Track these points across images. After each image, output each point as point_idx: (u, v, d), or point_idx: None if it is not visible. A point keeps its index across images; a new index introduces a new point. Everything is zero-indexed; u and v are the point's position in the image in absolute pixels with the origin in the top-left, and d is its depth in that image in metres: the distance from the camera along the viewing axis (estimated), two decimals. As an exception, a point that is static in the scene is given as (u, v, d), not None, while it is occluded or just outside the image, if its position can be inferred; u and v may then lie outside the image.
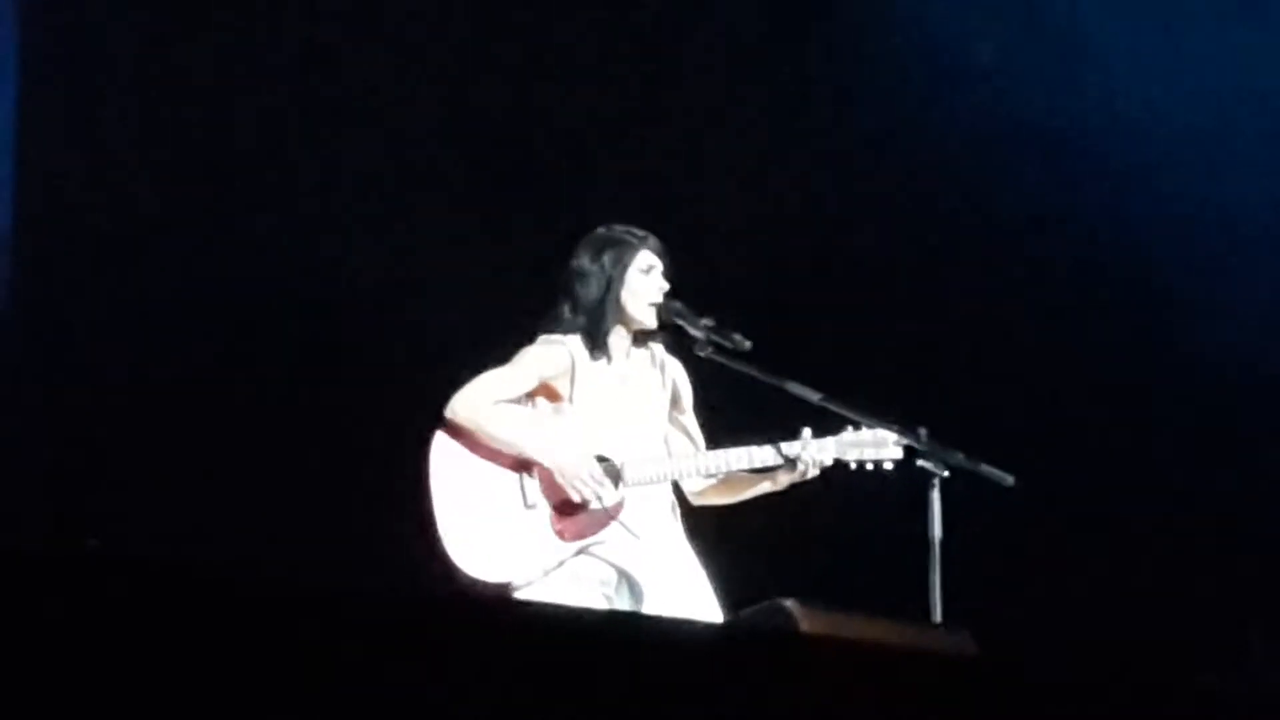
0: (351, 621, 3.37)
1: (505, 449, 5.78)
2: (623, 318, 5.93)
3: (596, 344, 5.90)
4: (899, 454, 5.89)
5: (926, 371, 7.90)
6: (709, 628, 5.04)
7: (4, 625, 3.12)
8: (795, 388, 5.87)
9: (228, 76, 7.68)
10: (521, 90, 8.04)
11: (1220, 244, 8.11)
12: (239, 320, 7.51)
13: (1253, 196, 8.13)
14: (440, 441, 5.78)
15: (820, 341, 7.55)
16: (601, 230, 6.01)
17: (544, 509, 5.78)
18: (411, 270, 7.75)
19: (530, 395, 5.87)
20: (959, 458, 5.80)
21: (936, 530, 5.74)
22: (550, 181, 7.93)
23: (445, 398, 5.78)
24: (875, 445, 5.89)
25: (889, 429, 5.89)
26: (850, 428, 5.91)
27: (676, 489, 5.98)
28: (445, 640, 3.43)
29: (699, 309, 5.92)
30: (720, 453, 5.91)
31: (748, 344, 5.84)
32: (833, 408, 5.88)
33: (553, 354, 5.87)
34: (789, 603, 4.95)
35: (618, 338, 5.94)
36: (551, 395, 5.89)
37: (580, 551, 5.79)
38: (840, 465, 5.91)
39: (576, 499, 5.78)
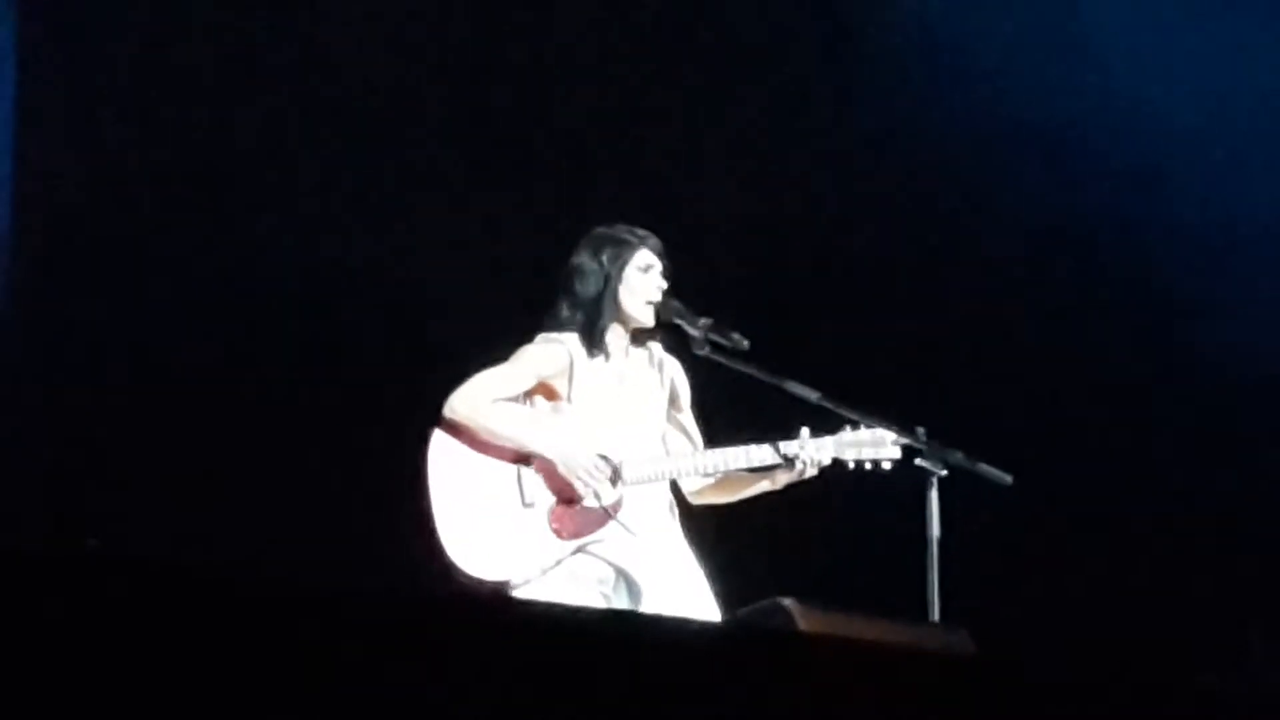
0: (350, 621, 3.37)
1: (506, 445, 5.79)
2: (620, 316, 5.93)
3: (594, 342, 5.90)
4: (897, 453, 5.89)
5: (925, 371, 7.90)
6: (707, 627, 5.04)
7: (4, 625, 3.12)
8: (794, 387, 5.87)
9: (227, 76, 7.68)
10: (522, 90, 8.04)
11: (1220, 244, 8.11)
12: (238, 320, 7.51)
13: (1253, 196, 8.13)
14: (438, 440, 5.77)
15: (819, 341, 7.56)
16: (602, 229, 6.02)
17: (542, 508, 5.79)
18: (410, 270, 7.75)
19: (528, 394, 5.87)
20: (957, 457, 5.80)
21: (935, 529, 5.74)
22: (550, 181, 7.93)
23: (444, 397, 5.79)
24: (873, 445, 5.89)
25: (887, 428, 5.89)
26: (849, 427, 5.91)
27: (675, 488, 5.99)
28: (444, 639, 3.44)
29: (698, 308, 5.92)
30: (718, 452, 5.91)
31: (746, 343, 5.84)
32: (831, 407, 5.88)
33: (551, 353, 5.87)
34: (787, 601, 4.94)
35: (615, 336, 5.95)
36: (549, 394, 5.89)
37: (578, 550, 5.79)
38: (838, 464, 5.91)
39: (580, 490, 5.78)
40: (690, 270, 6.09)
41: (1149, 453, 8.01)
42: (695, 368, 6.03)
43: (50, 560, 3.27)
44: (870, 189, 8.23)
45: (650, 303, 5.92)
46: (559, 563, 5.77)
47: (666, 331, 5.97)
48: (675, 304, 5.92)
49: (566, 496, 5.80)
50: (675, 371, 6.05)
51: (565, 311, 5.92)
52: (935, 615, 5.69)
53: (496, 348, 5.91)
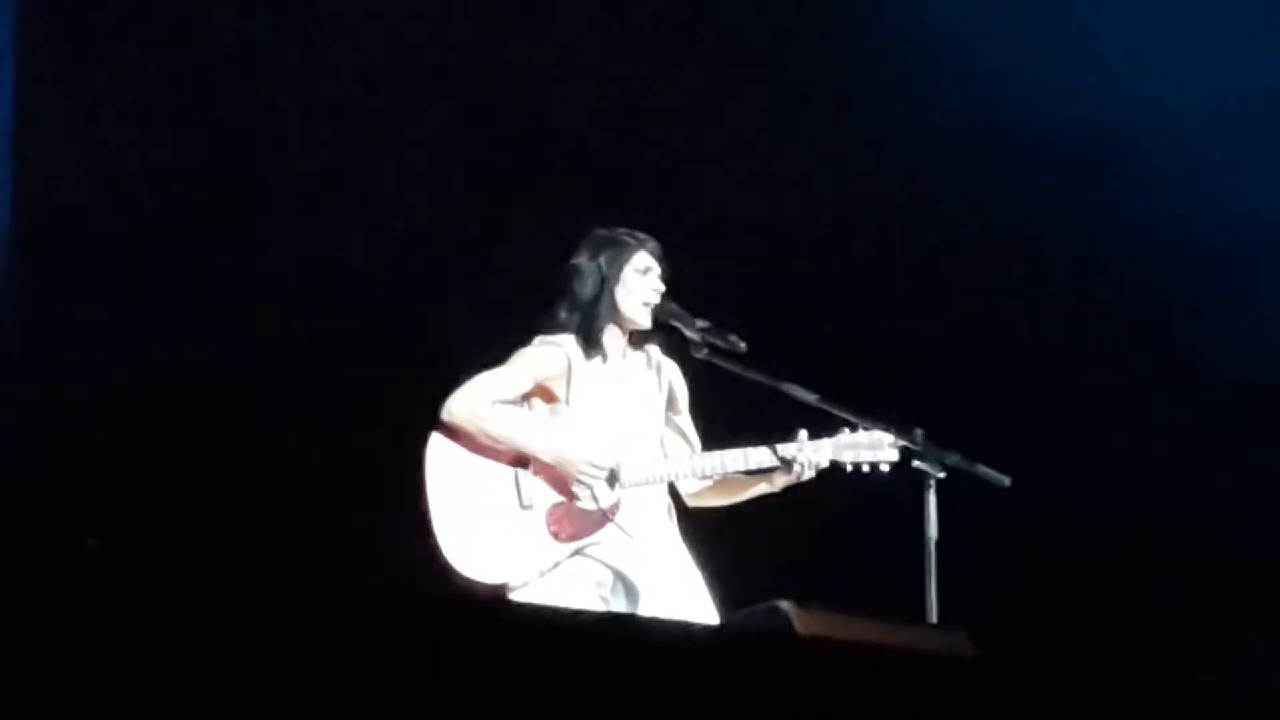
0: (348, 622, 3.38)
1: (505, 447, 5.79)
2: (617, 317, 5.93)
3: (591, 343, 5.90)
4: (895, 456, 5.89)
5: (923, 372, 7.90)
6: (705, 629, 5.04)
7: (4, 625, 3.13)
8: (791, 389, 5.88)
9: (228, 76, 7.68)
10: (522, 91, 8.04)
11: (1221, 244, 8.11)
12: (238, 320, 7.51)
13: (1254, 196, 8.13)
14: (436, 443, 5.77)
15: (817, 342, 7.55)
16: (602, 231, 6.02)
17: (540, 510, 5.79)
18: (409, 271, 7.75)
19: (526, 397, 5.88)
20: (955, 459, 5.80)
21: (932, 531, 5.73)
22: (550, 182, 7.93)
23: (442, 399, 5.79)
24: (871, 447, 5.89)
25: (885, 430, 5.89)
26: (846, 429, 5.91)
27: (672, 491, 5.99)
28: (441, 641, 3.44)
29: (695, 310, 5.92)
30: (716, 454, 5.91)
31: (744, 345, 5.84)
32: (829, 409, 5.89)
33: (549, 355, 5.88)
34: (785, 604, 4.94)
35: (613, 337, 5.95)
36: (547, 397, 5.89)
37: (576, 552, 5.79)
38: (836, 467, 5.91)
39: (579, 491, 5.78)
40: (688, 272, 6.09)
41: (1148, 453, 8.01)
42: (693, 370, 6.03)
43: (50, 560, 3.27)
44: (869, 190, 8.23)
45: (647, 304, 5.92)
46: (557, 565, 5.77)
47: (664, 334, 5.98)
48: (673, 306, 5.93)
49: (566, 497, 5.80)
50: (673, 374, 6.05)
51: (563, 313, 5.93)
52: (933, 617, 5.69)
53: (495, 350, 5.91)
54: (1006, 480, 5.84)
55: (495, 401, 5.80)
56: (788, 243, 8.14)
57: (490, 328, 6.16)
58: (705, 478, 5.98)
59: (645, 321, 5.94)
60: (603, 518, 5.80)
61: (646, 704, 3.52)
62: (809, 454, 5.86)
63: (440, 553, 5.68)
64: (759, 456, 5.87)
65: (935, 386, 7.70)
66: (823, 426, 5.91)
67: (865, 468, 5.90)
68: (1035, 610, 7.58)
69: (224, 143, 7.64)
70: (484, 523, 5.73)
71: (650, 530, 5.85)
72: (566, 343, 5.89)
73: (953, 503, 5.79)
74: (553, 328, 5.92)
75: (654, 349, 6.03)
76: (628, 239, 5.98)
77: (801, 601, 4.91)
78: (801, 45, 8.31)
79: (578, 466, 5.77)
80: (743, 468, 5.89)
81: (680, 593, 5.80)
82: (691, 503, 6.06)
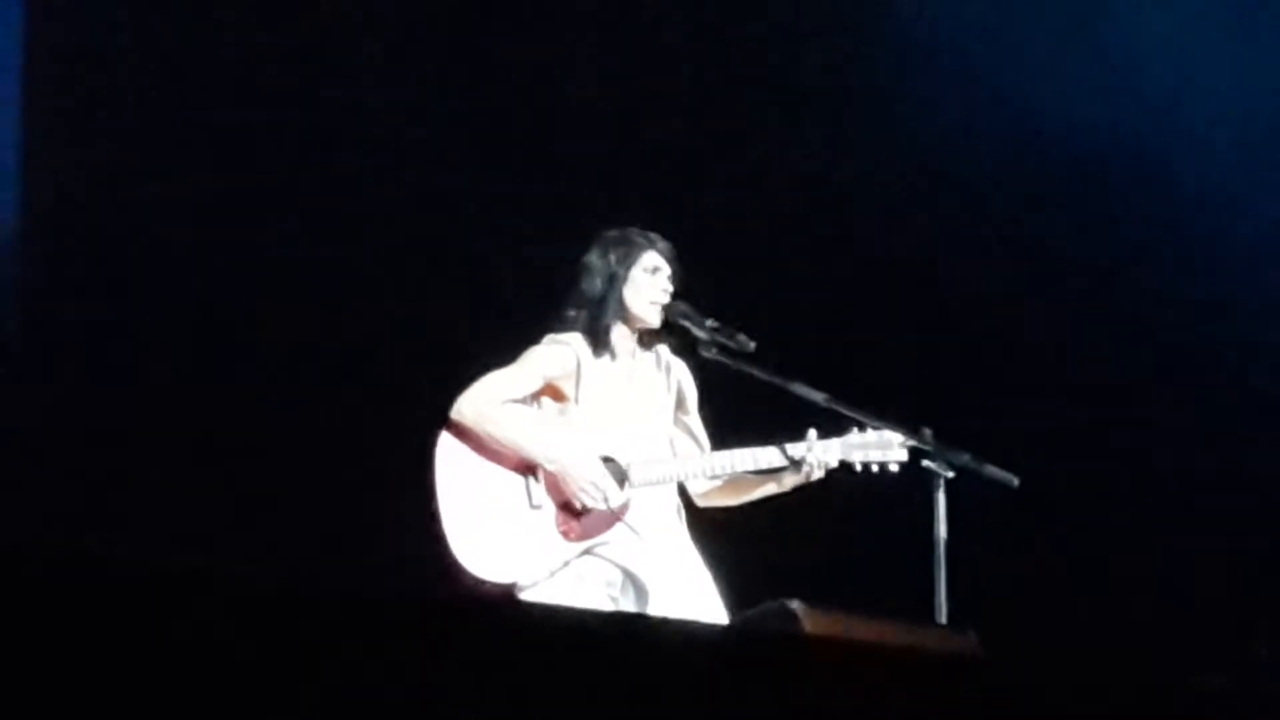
0: (357, 623, 3.36)
1: (511, 450, 5.77)
2: (625, 315, 5.93)
3: (599, 341, 5.90)
4: (904, 456, 5.88)
5: (932, 371, 7.90)
6: (713, 629, 5.04)
7: (4, 625, 3.10)
8: (800, 388, 5.86)
9: (232, 77, 7.67)
10: (527, 93, 8.04)
11: (1223, 244, 8.11)
12: (243, 320, 7.51)
13: (1254, 196, 8.13)
14: (446, 442, 5.77)
15: (825, 342, 7.54)
16: (614, 231, 6.02)
17: (549, 509, 5.78)
18: (416, 271, 7.74)
19: (535, 396, 5.87)
20: (964, 458, 5.79)
21: (942, 531, 5.73)
22: (556, 183, 7.93)
23: (451, 399, 5.77)
24: (880, 447, 5.88)
25: (894, 430, 5.88)
26: (856, 429, 5.91)
27: (682, 491, 5.98)
28: (450, 641, 3.42)
29: (704, 310, 5.91)
30: (725, 454, 5.91)
31: (752, 345, 5.83)
32: (838, 408, 5.88)
33: (558, 354, 5.87)
34: (793, 604, 4.93)
35: (621, 336, 5.94)
36: (557, 396, 5.88)
37: (585, 552, 5.78)
38: (845, 467, 5.91)
39: (578, 505, 5.77)
40: (696, 271, 6.07)
41: (1156, 454, 8.01)
42: (702, 370, 6.02)
43: (50, 560, 3.24)
44: (877, 190, 8.23)
45: (655, 304, 5.91)
46: (566, 565, 5.76)
47: (673, 334, 5.97)
48: (682, 306, 5.92)
49: (569, 503, 5.78)
50: (682, 374, 6.05)
51: (571, 311, 5.93)
52: (942, 617, 5.68)
53: (503, 349, 5.89)
54: (1016, 480, 5.83)
55: (504, 401, 5.79)
56: (796, 242, 8.13)
57: (498, 327, 6.15)
58: (714, 478, 5.98)
59: (654, 321, 5.93)
60: (612, 518, 5.78)
61: (655, 704, 3.50)
62: (818, 454, 5.85)
63: (450, 552, 5.67)
64: (768, 456, 5.86)
65: (944, 386, 7.69)
66: (832, 426, 5.90)
67: (874, 468, 5.89)
68: (1044, 610, 7.57)
69: (229, 143, 7.63)
70: (493, 522, 5.73)
71: (659, 530, 5.84)
72: (575, 342, 5.89)
73: (962, 503, 5.77)
74: (562, 326, 5.91)
75: (663, 349, 6.02)
76: (639, 238, 5.98)
77: (810, 601, 4.91)
78: (802, 45, 8.31)
79: (579, 483, 5.75)
80: (752, 468, 5.89)
81: (689, 592, 5.79)
82: (700, 503, 6.05)
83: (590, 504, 5.76)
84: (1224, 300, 8.08)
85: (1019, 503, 6.04)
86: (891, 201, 8.24)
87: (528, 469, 5.80)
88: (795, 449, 5.86)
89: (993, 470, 5.83)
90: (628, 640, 3.69)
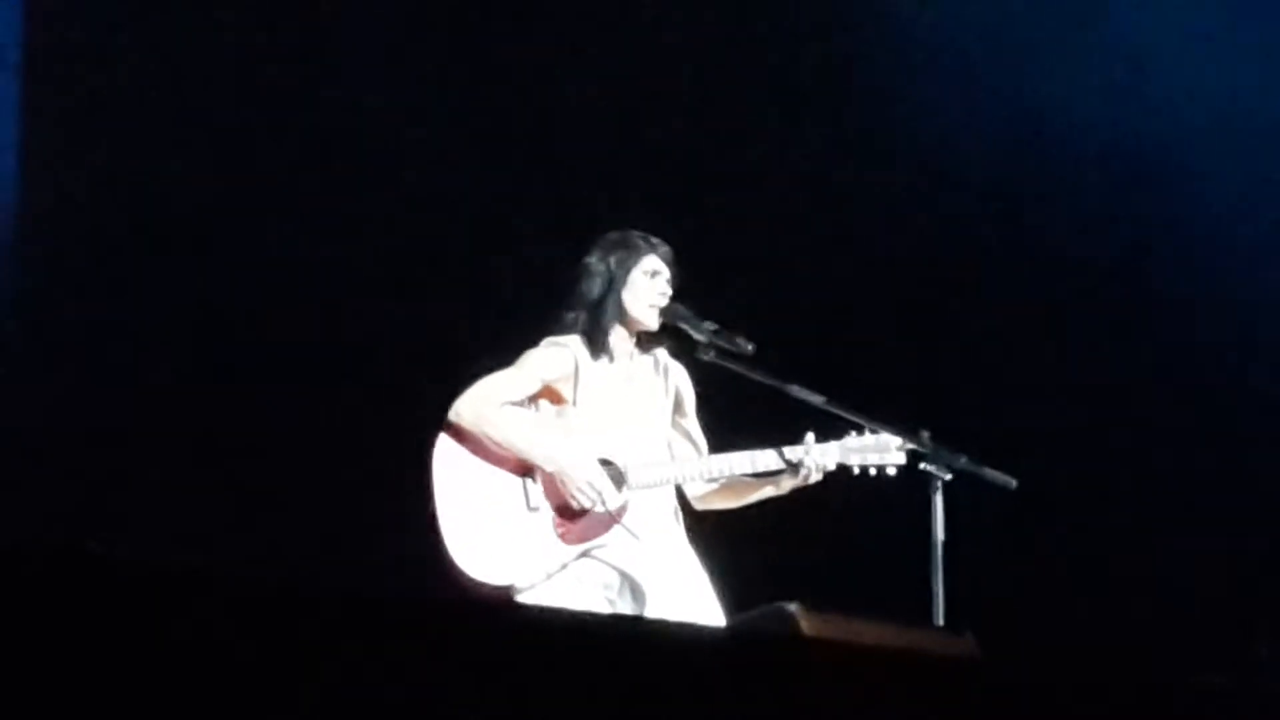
0: (354, 624, 3.36)
1: (509, 452, 5.77)
2: (624, 318, 5.93)
3: (598, 343, 5.90)
4: (902, 459, 5.88)
5: (932, 372, 7.90)
6: (711, 631, 5.04)
7: (4, 625, 3.11)
8: (798, 390, 5.86)
9: (233, 75, 7.67)
10: (524, 92, 8.03)
11: (1221, 244, 8.10)
12: (243, 320, 7.51)
13: (1255, 196, 8.13)
14: (444, 444, 5.77)
15: (823, 342, 7.54)
16: (615, 233, 6.02)
17: (547, 512, 5.78)
18: (416, 271, 7.74)
19: (533, 398, 5.87)
20: (962, 461, 5.79)
21: (939, 533, 5.73)
22: (556, 183, 7.92)
23: (451, 399, 5.77)
24: (879, 450, 5.88)
25: (892, 432, 5.88)
26: (854, 431, 5.90)
27: (679, 493, 5.98)
28: (449, 642, 3.43)
29: (702, 313, 5.91)
30: (723, 457, 5.91)
31: (750, 347, 5.83)
32: (836, 411, 5.87)
33: (556, 356, 5.87)
34: (791, 606, 4.92)
35: (619, 339, 5.94)
36: (555, 398, 5.88)
37: (583, 554, 5.78)
38: (844, 470, 5.90)
39: (576, 507, 5.77)
40: (694, 272, 6.07)
41: (1156, 454, 8.01)
42: (700, 372, 6.02)
43: (50, 560, 3.25)
44: (875, 190, 8.22)
45: (654, 307, 5.91)
46: (564, 567, 5.76)
47: (672, 336, 5.96)
48: (680, 308, 5.92)
49: (568, 505, 5.78)
50: (680, 377, 6.05)
51: (570, 313, 5.93)
52: (940, 619, 5.68)
53: (501, 351, 5.89)
54: (1013, 482, 5.83)
55: (502, 403, 5.79)
56: (796, 242, 8.13)
57: (498, 327, 6.15)
58: (712, 480, 5.98)
59: (652, 324, 5.93)
60: (610, 520, 5.78)
61: (653, 706, 3.50)
62: (816, 457, 5.85)
63: (447, 554, 5.67)
64: (766, 459, 5.86)
65: (943, 386, 7.69)
66: (830, 429, 5.89)
67: (873, 471, 5.89)
68: (1044, 611, 7.57)
69: (228, 145, 7.63)
70: (491, 524, 5.73)
71: (657, 532, 5.84)
72: (573, 344, 5.89)
73: (960, 505, 5.77)
74: (560, 328, 5.91)
75: (661, 351, 6.02)
76: (639, 241, 5.97)
77: (808, 603, 4.90)
78: (802, 46, 8.31)
79: (576, 484, 5.75)
80: (750, 470, 5.89)
81: (687, 595, 5.79)
82: (698, 505, 6.05)
83: (587, 505, 5.77)
84: (1224, 300, 8.08)
85: (1018, 503, 6.04)
86: (891, 201, 8.23)
87: (525, 471, 5.79)
88: (793, 452, 5.86)
89: (991, 473, 5.83)
90: (625, 642, 3.69)
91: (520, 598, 5.69)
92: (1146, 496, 7.95)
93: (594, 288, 5.92)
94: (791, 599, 4.96)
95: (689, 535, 5.94)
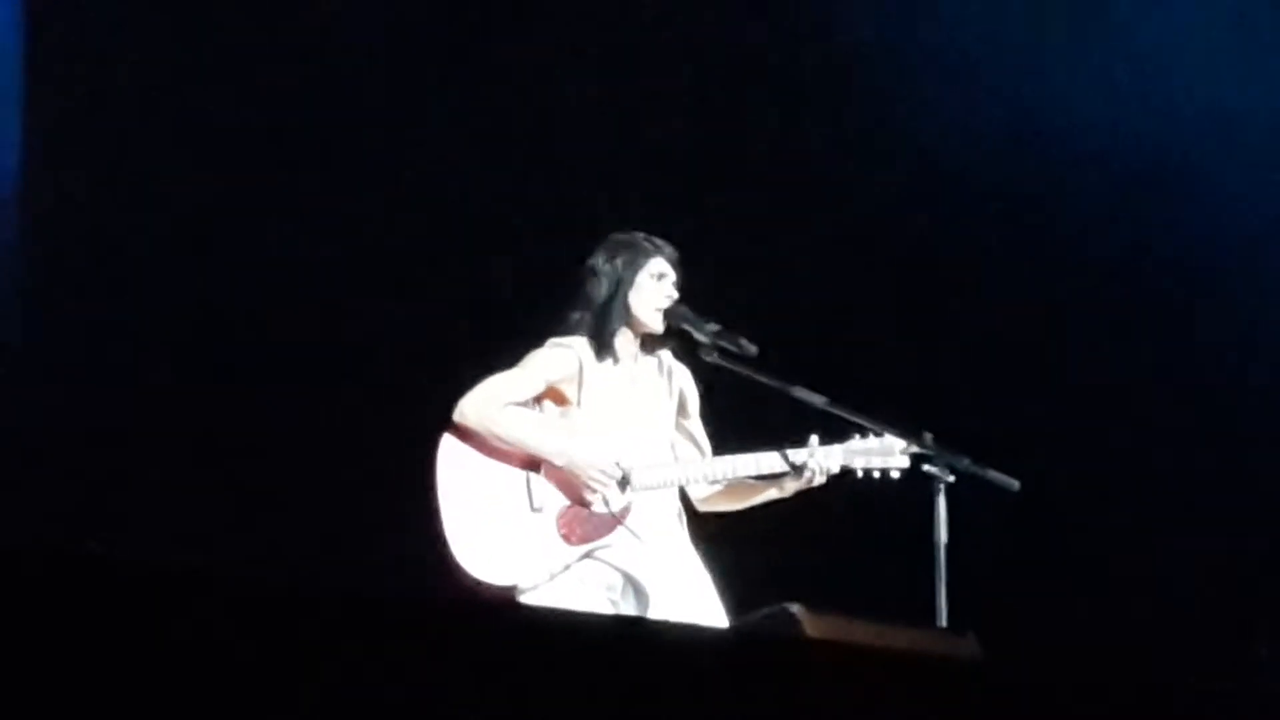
0: (357, 624, 3.36)
1: (517, 449, 5.77)
2: (629, 320, 5.93)
3: (603, 345, 5.90)
4: (905, 463, 5.87)
5: (932, 373, 7.90)
6: (714, 632, 5.04)
7: (4, 625, 3.10)
8: (801, 393, 5.86)
9: (233, 75, 7.66)
10: (524, 92, 8.03)
11: (1221, 244, 8.11)
12: (243, 320, 7.50)
13: (1256, 196, 8.12)
14: (448, 444, 5.77)
15: (825, 343, 7.54)
16: (621, 235, 6.02)
17: (550, 512, 5.78)
18: (416, 271, 7.74)
19: (538, 399, 5.87)
20: (965, 462, 5.78)
21: (942, 534, 5.72)
22: (556, 183, 7.92)
23: (452, 399, 5.77)
24: (882, 454, 5.87)
25: (895, 434, 5.87)
26: (857, 434, 5.90)
27: (682, 495, 5.97)
28: (450, 643, 3.42)
29: (706, 314, 5.90)
30: (727, 459, 5.91)
31: (754, 349, 5.83)
32: (839, 412, 5.87)
33: (560, 357, 5.87)
34: (794, 607, 4.92)
35: (624, 341, 5.94)
36: (559, 399, 5.88)
37: (586, 555, 5.78)
38: (847, 473, 5.89)
39: (590, 495, 5.76)
40: (695, 272, 6.07)
41: (1156, 454, 8.01)
42: (704, 374, 6.01)
43: (50, 560, 3.24)
44: (875, 190, 8.22)
45: (659, 309, 5.91)
46: (567, 568, 5.76)
47: (675, 339, 5.96)
48: (684, 310, 5.91)
49: (577, 501, 5.78)
50: (684, 379, 6.05)
51: (575, 314, 5.93)
52: (943, 620, 5.67)
53: (505, 351, 5.89)
54: (1016, 484, 5.82)
55: (507, 403, 5.80)
56: (796, 242, 8.13)
57: (498, 327, 6.15)
58: (715, 482, 5.98)
59: (657, 326, 5.93)
60: (613, 521, 5.78)
61: (655, 707, 3.50)
62: (820, 459, 5.84)
63: (450, 554, 5.67)
64: (770, 461, 5.85)
65: (944, 387, 7.69)
66: (833, 431, 5.89)
67: (876, 474, 5.88)
68: (1044, 612, 7.57)
69: (230, 145, 7.62)
70: (494, 525, 5.73)
71: (660, 533, 5.84)
72: (578, 345, 5.89)
73: (962, 506, 5.77)
74: (565, 329, 5.91)
75: (665, 353, 6.02)
76: (645, 244, 5.97)
77: (811, 604, 4.90)
78: (802, 46, 8.30)
79: (588, 472, 5.76)
80: (753, 473, 5.89)
81: (690, 596, 5.79)
82: (701, 507, 6.04)
83: (600, 490, 5.75)
84: (1224, 300, 8.08)
85: (1019, 503, 6.03)
86: (891, 201, 8.22)
87: (529, 471, 5.79)
88: (797, 454, 5.85)
89: (993, 474, 5.83)
90: (628, 643, 3.69)
91: (523, 598, 5.69)
92: (1146, 496, 7.95)
93: (600, 289, 5.92)
94: (794, 600, 4.96)
95: (692, 536, 5.94)
